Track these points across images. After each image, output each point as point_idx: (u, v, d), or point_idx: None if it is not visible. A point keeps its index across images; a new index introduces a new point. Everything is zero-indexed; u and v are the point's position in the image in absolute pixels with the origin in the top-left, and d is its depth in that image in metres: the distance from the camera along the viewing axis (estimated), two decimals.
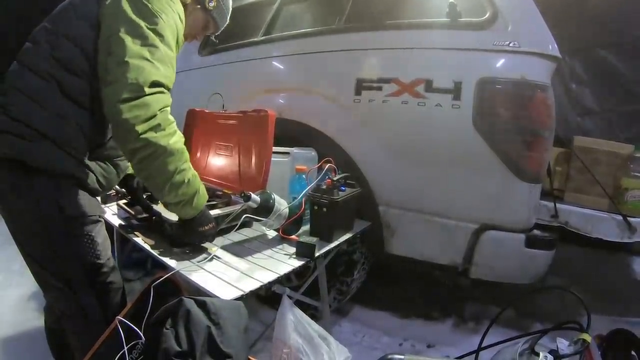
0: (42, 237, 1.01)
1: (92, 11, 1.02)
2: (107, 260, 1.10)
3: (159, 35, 1.00)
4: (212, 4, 1.30)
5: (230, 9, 1.40)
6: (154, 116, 0.95)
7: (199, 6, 1.28)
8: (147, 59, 0.96)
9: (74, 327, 1.10)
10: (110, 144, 1.14)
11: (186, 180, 1.05)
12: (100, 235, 1.10)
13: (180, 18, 1.10)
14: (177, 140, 1.01)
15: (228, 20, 1.41)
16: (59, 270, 1.04)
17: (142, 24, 0.98)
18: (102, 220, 1.13)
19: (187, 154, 1.05)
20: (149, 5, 1.00)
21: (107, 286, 1.10)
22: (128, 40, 0.95)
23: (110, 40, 0.97)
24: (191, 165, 1.08)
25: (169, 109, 1.01)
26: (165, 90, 1.01)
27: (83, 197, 1.06)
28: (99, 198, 1.20)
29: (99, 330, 0.99)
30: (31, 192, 0.99)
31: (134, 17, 0.97)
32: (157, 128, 0.96)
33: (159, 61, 0.98)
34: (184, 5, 1.20)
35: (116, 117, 0.93)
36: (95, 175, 1.10)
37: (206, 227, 1.15)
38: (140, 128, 0.93)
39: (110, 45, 0.96)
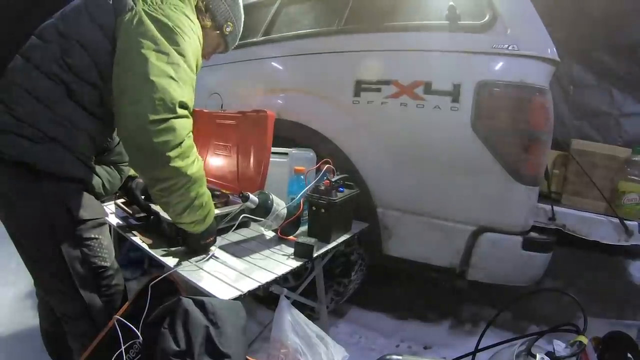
0: (50, 241, 0.99)
1: (108, 21, 0.98)
2: (112, 263, 1.10)
3: (182, 55, 0.97)
4: (229, 29, 1.30)
5: (241, 32, 1.40)
6: (182, 142, 0.93)
7: (217, 32, 1.28)
8: (172, 78, 0.93)
9: (78, 330, 1.09)
10: (116, 149, 1.14)
11: (204, 204, 1.06)
12: (106, 238, 1.10)
13: (199, 41, 1.08)
14: (200, 166, 1.01)
15: (237, 41, 1.41)
16: (65, 273, 1.02)
17: (165, 41, 0.94)
18: (107, 222, 1.13)
19: (204, 177, 1.05)
20: (170, 24, 0.97)
21: (112, 288, 1.09)
22: (152, 56, 0.91)
23: (129, 56, 0.93)
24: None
25: (192, 134, 0.99)
26: (189, 114, 0.98)
27: (89, 200, 1.06)
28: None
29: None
30: (39, 195, 0.97)
31: (156, 33, 0.94)
32: (183, 156, 0.94)
33: (182, 81, 0.95)
34: (203, 28, 1.19)
35: (143, 140, 0.90)
36: (101, 179, 1.10)
37: (209, 240, 1.17)
38: (170, 155, 0.91)
39: (131, 62, 0.92)
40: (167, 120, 0.90)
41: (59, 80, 0.96)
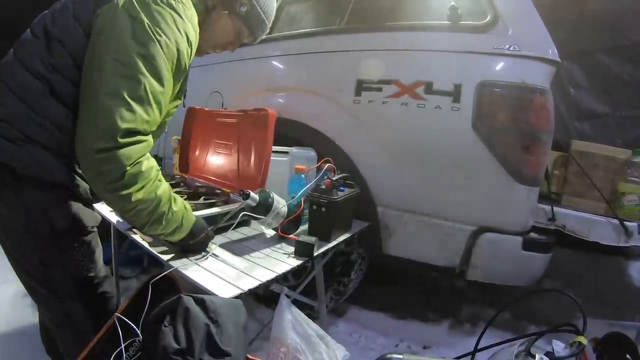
0: (30, 248, 0.97)
1: (87, 16, 0.91)
2: (98, 272, 1.07)
3: (149, 65, 0.86)
4: (243, 9, 1.13)
5: (273, 13, 1.22)
6: (124, 172, 0.85)
7: (226, 12, 1.13)
8: (122, 98, 0.83)
9: (63, 336, 1.08)
10: None
11: (164, 222, 0.97)
12: (91, 247, 1.06)
13: (189, 40, 0.96)
14: (151, 190, 0.91)
15: (268, 29, 1.24)
16: (47, 280, 1.00)
17: (132, 47, 0.85)
18: (95, 230, 1.08)
19: (164, 196, 0.95)
20: (146, 22, 0.86)
21: (97, 297, 1.07)
22: (109, 67, 0.83)
23: (92, 59, 0.86)
24: (172, 197, 0.99)
25: (143, 158, 0.89)
26: (144, 138, 0.89)
27: (75, 207, 1.01)
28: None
29: (88, 340, 0.94)
30: (19, 201, 0.93)
31: (124, 36, 0.85)
32: (127, 185, 0.86)
33: (137, 101, 0.85)
34: (208, 11, 1.09)
35: (85, 166, 0.86)
36: (88, 184, 1.02)
37: (198, 238, 1.10)
38: (109, 185, 0.85)
39: (91, 67, 0.86)
40: (106, 150, 0.82)
41: (42, 79, 0.90)
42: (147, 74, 0.86)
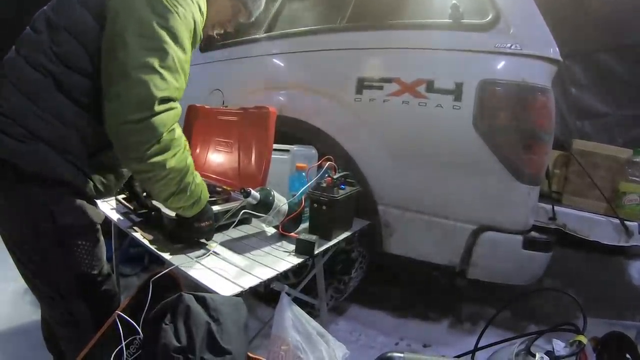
0: (33, 245, 0.97)
1: (95, 1, 0.92)
2: (101, 270, 1.07)
3: (172, 35, 0.90)
4: None
5: None
6: (160, 138, 0.90)
7: None
8: (154, 69, 0.87)
9: (65, 334, 1.08)
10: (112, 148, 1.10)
11: (189, 192, 1.02)
12: (95, 245, 1.05)
13: (200, 10, 1.01)
14: (183, 158, 0.97)
15: (262, 6, 1.29)
16: (49, 278, 1.00)
17: (153, 21, 0.87)
18: (99, 228, 1.08)
19: (191, 165, 1.01)
20: None
21: (100, 295, 1.07)
22: (135, 43, 0.86)
23: (114, 40, 0.88)
24: (195, 172, 1.04)
25: (176, 125, 0.95)
26: (175, 105, 0.94)
27: (79, 205, 1.00)
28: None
29: (90, 338, 0.94)
30: (22, 198, 0.93)
31: (144, 12, 0.87)
32: (163, 151, 0.91)
33: (168, 70, 0.90)
34: None
35: (121, 138, 0.89)
36: (93, 182, 1.03)
37: (203, 224, 1.13)
38: (147, 153, 0.89)
39: (115, 48, 0.87)
40: (144, 120, 0.86)
41: (46, 72, 0.91)
42: (172, 44, 0.91)
